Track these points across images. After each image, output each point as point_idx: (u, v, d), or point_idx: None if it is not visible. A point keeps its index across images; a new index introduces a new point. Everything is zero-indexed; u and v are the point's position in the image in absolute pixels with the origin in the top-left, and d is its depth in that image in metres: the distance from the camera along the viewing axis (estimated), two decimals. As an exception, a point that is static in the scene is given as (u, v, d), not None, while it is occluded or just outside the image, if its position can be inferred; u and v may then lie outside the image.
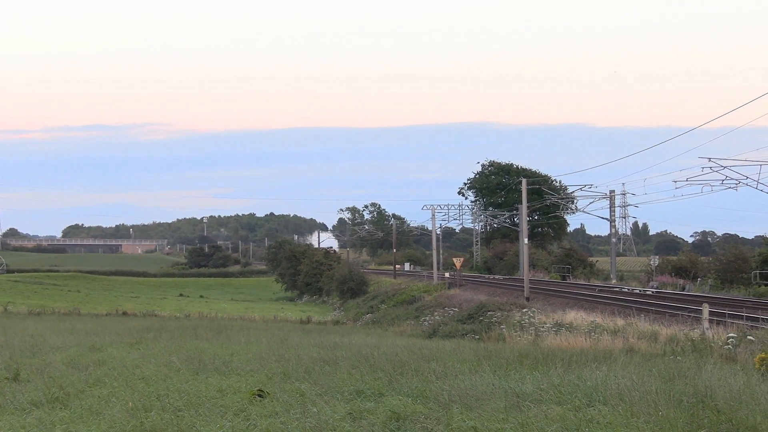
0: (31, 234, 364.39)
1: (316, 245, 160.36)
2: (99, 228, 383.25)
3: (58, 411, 17.76)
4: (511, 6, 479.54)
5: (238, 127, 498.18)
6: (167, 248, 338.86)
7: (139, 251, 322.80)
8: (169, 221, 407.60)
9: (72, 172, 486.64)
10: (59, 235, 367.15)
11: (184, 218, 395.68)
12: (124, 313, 78.99)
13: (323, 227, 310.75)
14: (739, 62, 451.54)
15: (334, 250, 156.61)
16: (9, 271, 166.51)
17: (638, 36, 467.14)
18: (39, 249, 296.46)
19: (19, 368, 24.67)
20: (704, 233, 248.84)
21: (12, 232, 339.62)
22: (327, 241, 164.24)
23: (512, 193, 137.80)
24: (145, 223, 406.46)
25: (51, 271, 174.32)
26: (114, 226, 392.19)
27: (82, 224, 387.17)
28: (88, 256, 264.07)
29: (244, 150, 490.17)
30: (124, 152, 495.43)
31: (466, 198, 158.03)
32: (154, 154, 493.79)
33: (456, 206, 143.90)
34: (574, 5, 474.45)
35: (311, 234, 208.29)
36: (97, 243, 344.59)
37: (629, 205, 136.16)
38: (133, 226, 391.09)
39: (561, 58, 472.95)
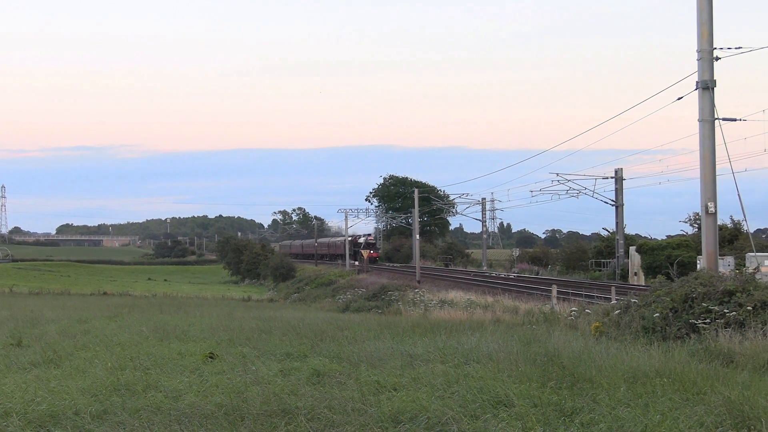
0: (32, 231, 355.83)
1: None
2: (85, 226, 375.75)
3: (52, 370, 17.46)
4: (401, 54, 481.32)
5: (193, 148, 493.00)
6: (138, 243, 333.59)
7: (117, 245, 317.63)
8: (140, 221, 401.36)
9: (64, 183, 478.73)
10: (54, 232, 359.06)
11: (152, 219, 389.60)
12: (105, 293, 77.81)
13: (260, 226, 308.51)
14: (582, 96, 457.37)
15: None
16: (14, 260, 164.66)
17: (505, 74, 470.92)
18: (37, 243, 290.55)
19: (21, 336, 24.19)
20: (553, 231, 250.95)
21: (16, 230, 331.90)
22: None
23: (407, 200, 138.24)
24: (121, 223, 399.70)
25: (47, 260, 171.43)
26: (97, 225, 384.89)
27: (72, 223, 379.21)
28: (76, 249, 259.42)
29: (199, 166, 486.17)
30: (105, 167, 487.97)
31: (372, 203, 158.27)
32: (128, 168, 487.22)
33: (364, 210, 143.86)
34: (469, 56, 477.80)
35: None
36: (83, 238, 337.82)
37: (497, 209, 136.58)
38: (111, 225, 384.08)
39: (447, 95, 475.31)
